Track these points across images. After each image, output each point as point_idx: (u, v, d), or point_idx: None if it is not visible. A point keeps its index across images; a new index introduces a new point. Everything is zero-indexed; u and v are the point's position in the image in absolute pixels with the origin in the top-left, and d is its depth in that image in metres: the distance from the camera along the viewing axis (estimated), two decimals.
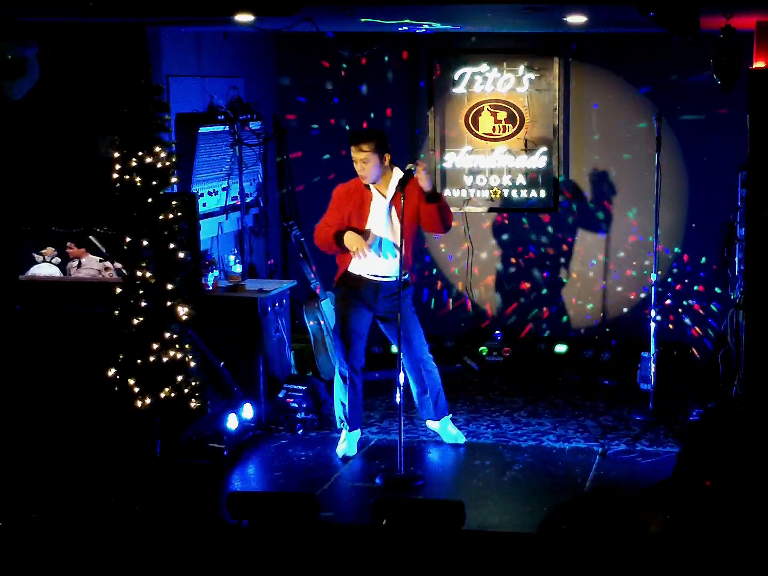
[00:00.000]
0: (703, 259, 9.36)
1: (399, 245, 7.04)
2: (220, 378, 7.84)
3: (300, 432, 7.94)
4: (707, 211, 9.30)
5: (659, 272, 8.37)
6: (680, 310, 9.45)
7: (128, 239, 7.15)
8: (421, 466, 7.24)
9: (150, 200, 7.10)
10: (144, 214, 7.11)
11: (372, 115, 9.77)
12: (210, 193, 8.66)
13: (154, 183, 7.10)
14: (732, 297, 7.84)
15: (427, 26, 8.13)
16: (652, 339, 8.19)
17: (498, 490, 6.96)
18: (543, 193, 9.60)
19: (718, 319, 8.44)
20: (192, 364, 7.26)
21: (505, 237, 9.72)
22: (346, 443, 7.48)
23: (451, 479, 7.30)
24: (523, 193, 9.62)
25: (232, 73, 9.07)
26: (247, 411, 7.81)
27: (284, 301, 8.52)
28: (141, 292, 7.12)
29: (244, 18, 6.87)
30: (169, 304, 7.16)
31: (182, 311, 7.21)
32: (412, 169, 7.04)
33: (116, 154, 7.14)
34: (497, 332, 9.55)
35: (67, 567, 5.64)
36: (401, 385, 7.04)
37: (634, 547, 3.20)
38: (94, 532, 5.95)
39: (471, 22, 8.17)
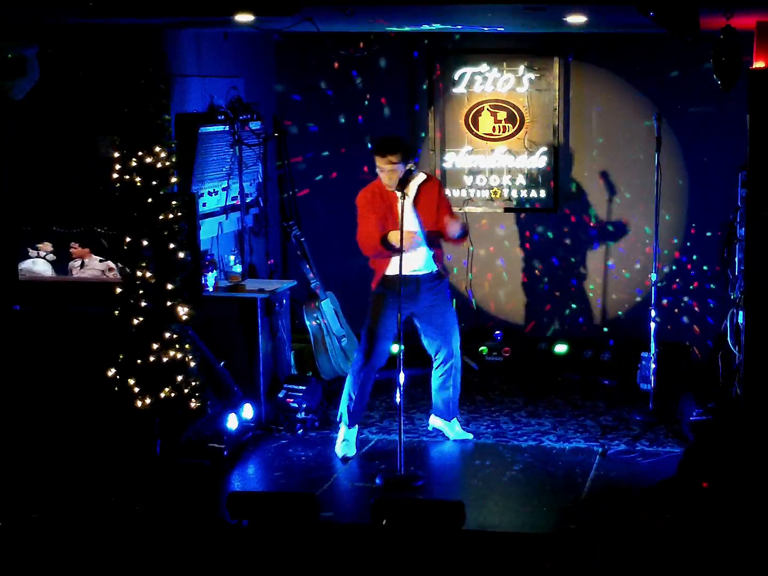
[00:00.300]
0: (703, 259, 9.36)
1: (424, 238, 7.27)
2: (220, 378, 7.84)
3: (300, 432, 7.95)
4: (707, 211, 9.30)
5: (659, 272, 8.36)
6: (680, 309, 9.44)
7: (128, 239, 7.16)
8: (421, 466, 7.24)
9: (150, 200, 7.11)
10: (144, 214, 7.11)
11: (372, 114, 9.78)
12: (210, 193, 8.66)
13: (154, 183, 7.10)
14: (732, 297, 7.83)
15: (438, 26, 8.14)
16: (652, 339, 8.19)
17: (498, 490, 6.96)
18: (543, 193, 9.60)
19: (718, 319, 8.43)
20: (192, 364, 7.26)
21: (504, 237, 9.71)
22: (346, 442, 7.47)
23: (451, 479, 7.30)
24: (523, 193, 9.62)
25: (232, 73, 9.07)
26: (247, 411, 7.81)
27: (284, 301, 8.51)
28: (141, 292, 7.12)
29: (244, 18, 6.87)
30: (169, 304, 7.17)
31: (182, 311, 7.22)
32: (412, 169, 7.14)
33: (116, 154, 7.14)
34: (497, 332, 9.55)
35: (67, 567, 5.64)
36: (401, 385, 7.05)
37: (634, 547, 3.20)
38: (94, 532, 5.95)
39: (471, 23, 8.16)
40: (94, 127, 7.85)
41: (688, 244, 9.43)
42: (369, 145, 7.12)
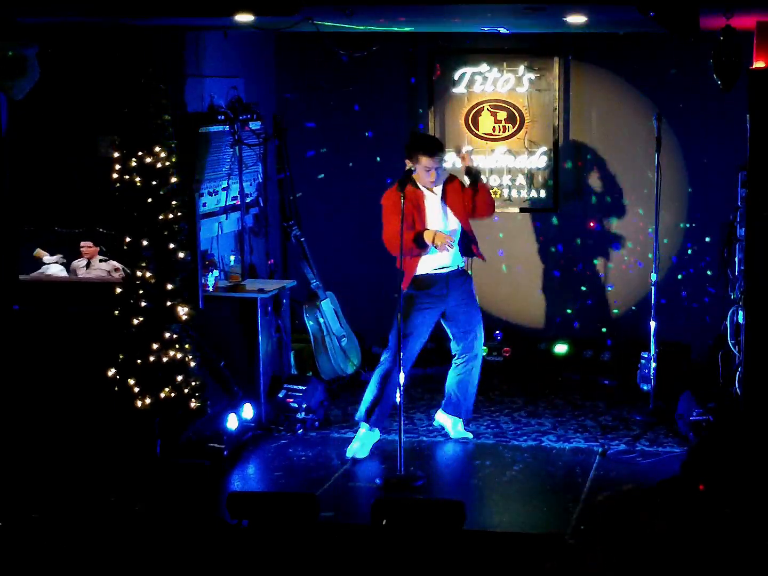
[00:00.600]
0: (703, 259, 9.35)
1: (457, 235, 7.44)
2: (220, 378, 7.84)
3: (300, 432, 7.94)
4: (707, 211, 9.30)
5: (659, 272, 8.36)
6: (680, 309, 9.44)
7: (128, 239, 7.16)
8: (421, 466, 7.24)
9: (150, 200, 7.11)
10: (144, 214, 7.12)
11: (372, 114, 9.78)
12: (210, 193, 8.66)
13: (154, 183, 7.10)
14: (732, 297, 7.83)
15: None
16: (652, 339, 8.19)
17: (498, 490, 6.97)
18: (543, 193, 9.59)
19: (718, 319, 8.42)
20: (192, 364, 7.26)
21: (504, 237, 9.71)
22: (360, 443, 7.42)
23: (451, 479, 7.31)
24: (523, 193, 9.62)
25: (232, 73, 9.07)
26: (247, 411, 7.81)
27: (284, 301, 8.52)
28: (141, 292, 7.13)
29: (244, 18, 6.87)
30: (169, 304, 7.17)
31: (182, 311, 7.22)
32: (412, 169, 7.23)
33: (116, 154, 7.14)
34: (497, 332, 9.55)
35: (67, 567, 5.64)
36: (401, 385, 7.04)
37: (634, 547, 3.20)
38: (94, 532, 5.95)
39: (471, 24, 8.16)
40: (94, 127, 7.85)
41: (688, 244, 9.42)
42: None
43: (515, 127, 9.55)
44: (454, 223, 7.44)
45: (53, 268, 8.21)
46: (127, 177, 7.10)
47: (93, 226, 7.88)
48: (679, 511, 3.53)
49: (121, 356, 7.15)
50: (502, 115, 9.56)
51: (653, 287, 8.23)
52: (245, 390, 7.95)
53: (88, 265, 8.23)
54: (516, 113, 9.54)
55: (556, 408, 8.51)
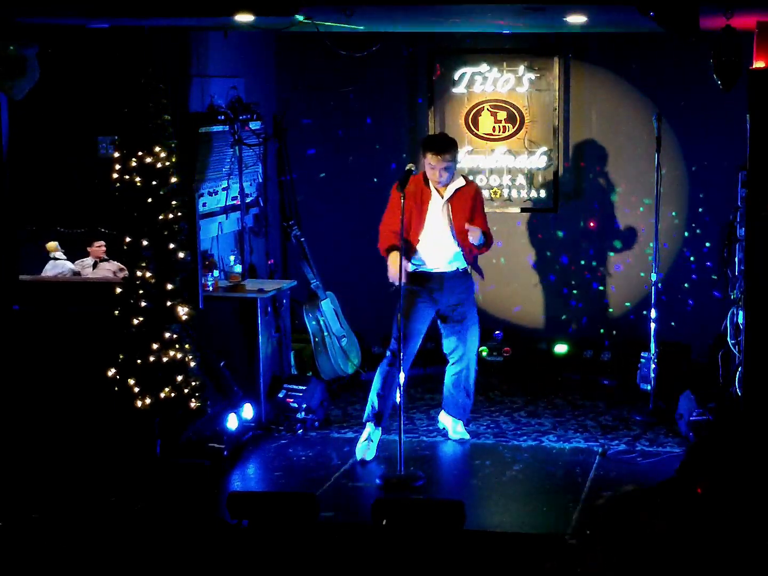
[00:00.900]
0: (703, 259, 9.36)
1: (455, 240, 7.35)
2: (220, 378, 7.84)
3: (300, 432, 7.94)
4: (707, 211, 9.30)
5: (659, 272, 8.35)
6: (680, 310, 9.44)
7: (128, 239, 7.16)
8: (421, 466, 7.23)
9: (150, 200, 7.11)
10: (144, 214, 7.11)
11: (372, 114, 9.78)
12: (210, 193, 8.66)
13: (154, 183, 7.10)
14: (732, 297, 7.83)
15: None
16: (652, 339, 8.19)
17: (498, 490, 6.96)
18: (543, 193, 9.60)
19: (718, 319, 8.42)
20: (192, 364, 7.26)
21: (504, 237, 9.70)
22: (368, 443, 7.39)
23: (451, 479, 7.31)
24: (523, 193, 9.62)
25: (232, 73, 9.07)
26: (247, 411, 7.81)
27: (284, 301, 8.52)
28: (141, 292, 7.12)
29: (244, 18, 6.87)
30: (169, 304, 7.17)
31: (182, 311, 7.22)
32: (413, 169, 7.16)
33: (116, 154, 7.14)
34: (497, 332, 9.55)
35: (67, 567, 5.64)
36: (401, 385, 7.04)
37: (635, 547, 3.20)
38: (94, 532, 5.95)
39: (471, 24, 8.16)
40: (94, 127, 7.85)
41: (688, 244, 9.43)
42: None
43: (515, 127, 9.55)
44: (452, 231, 7.38)
45: (64, 264, 8.19)
46: (127, 177, 7.09)
47: (94, 226, 7.87)
48: (679, 511, 3.53)
49: (121, 356, 7.15)
50: (502, 115, 9.56)
51: (653, 287, 8.23)
52: (245, 390, 7.95)
53: (95, 265, 8.22)
54: (516, 113, 9.54)
55: (556, 408, 8.51)
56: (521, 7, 6.61)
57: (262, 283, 8.59)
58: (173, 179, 7.22)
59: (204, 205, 8.50)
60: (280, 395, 8.16)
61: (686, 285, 9.44)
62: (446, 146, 7.31)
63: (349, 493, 6.94)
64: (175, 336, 7.18)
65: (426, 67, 9.65)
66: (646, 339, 8.28)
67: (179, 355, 7.18)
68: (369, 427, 7.44)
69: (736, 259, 7.77)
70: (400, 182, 7.01)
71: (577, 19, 7.29)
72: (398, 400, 7.04)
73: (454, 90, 9.63)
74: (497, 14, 7.18)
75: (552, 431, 7.97)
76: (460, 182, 7.39)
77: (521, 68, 9.47)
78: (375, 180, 9.76)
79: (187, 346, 7.25)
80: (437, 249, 7.38)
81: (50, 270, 8.17)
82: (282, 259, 9.98)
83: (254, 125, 9.02)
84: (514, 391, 8.93)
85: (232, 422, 7.52)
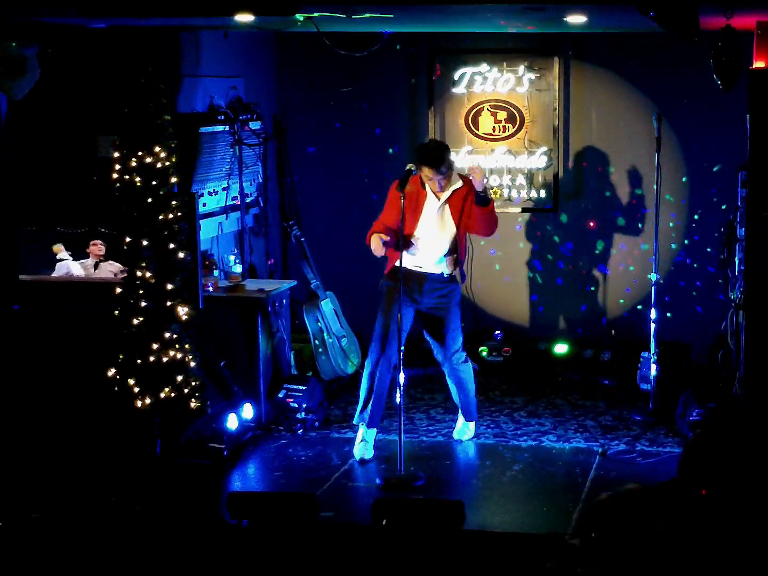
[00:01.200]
0: (703, 259, 9.36)
1: (449, 243, 7.29)
2: (220, 378, 7.84)
3: (300, 432, 7.94)
4: (707, 211, 9.30)
5: (659, 272, 8.35)
6: (680, 309, 9.44)
7: (128, 239, 7.15)
8: (421, 466, 7.23)
9: (150, 200, 7.11)
10: (144, 214, 7.11)
11: (372, 114, 9.78)
12: (210, 193, 8.66)
13: (154, 183, 7.10)
14: (732, 297, 7.83)
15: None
16: (652, 339, 8.19)
17: (498, 490, 6.96)
18: (543, 193, 9.60)
19: (718, 319, 8.42)
20: (192, 364, 7.26)
21: (504, 237, 9.71)
22: (364, 443, 7.40)
23: (451, 479, 7.30)
24: (523, 193, 9.62)
25: (232, 73, 9.07)
26: (247, 411, 7.81)
27: (284, 301, 8.52)
28: (141, 292, 7.12)
29: (244, 18, 6.87)
30: (169, 304, 7.17)
31: (182, 311, 7.22)
32: (413, 169, 7.12)
33: (116, 154, 7.14)
34: (497, 332, 9.55)
35: (67, 567, 5.64)
36: (401, 385, 7.04)
37: (635, 548, 3.20)
38: (94, 532, 5.95)
39: (471, 24, 8.16)
40: (94, 127, 7.85)
41: (688, 243, 9.43)
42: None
43: (515, 127, 9.55)
44: (447, 231, 7.32)
45: (73, 265, 8.17)
46: (127, 177, 7.09)
47: (94, 226, 7.87)
48: (679, 511, 3.53)
49: (121, 356, 7.15)
50: (502, 115, 9.56)
51: (653, 287, 8.23)
52: (245, 390, 7.95)
53: (96, 266, 8.22)
54: (516, 113, 9.54)
55: (556, 408, 8.51)
56: (521, 7, 6.61)
57: (262, 283, 8.59)
58: (173, 179, 7.22)
59: (204, 205, 8.50)
60: (280, 395, 8.16)
61: (686, 285, 9.44)
62: (441, 159, 7.18)
63: (349, 493, 6.94)
64: (175, 336, 7.17)
65: (426, 67, 9.65)
66: (646, 339, 8.28)
67: (179, 355, 7.18)
68: (361, 428, 7.44)
69: (736, 259, 7.77)
70: (400, 182, 7.00)
71: (577, 19, 7.29)
72: (398, 400, 7.03)
73: (454, 90, 9.63)
74: (497, 14, 7.18)
75: (552, 431, 7.97)
76: (457, 184, 7.31)
77: (521, 68, 9.47)
78: (375, 180, 9.76)
79: (187, 346, 7.25)
80: (426, 250, 7.33)
81: (60, 272, 8.16)
82: (282, 259, 9.99)
83: (254, 125, 9.02)
84: (514, 391, 8.93)
85: (232, 422, 7.52)
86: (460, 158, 9.62)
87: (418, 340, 8.32)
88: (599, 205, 9.56)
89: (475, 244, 9.46)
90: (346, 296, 9.13)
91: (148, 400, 7.09)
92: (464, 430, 7.77)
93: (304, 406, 8.05)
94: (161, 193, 7.13)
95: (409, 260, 7.29)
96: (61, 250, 8.11)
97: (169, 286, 7.17)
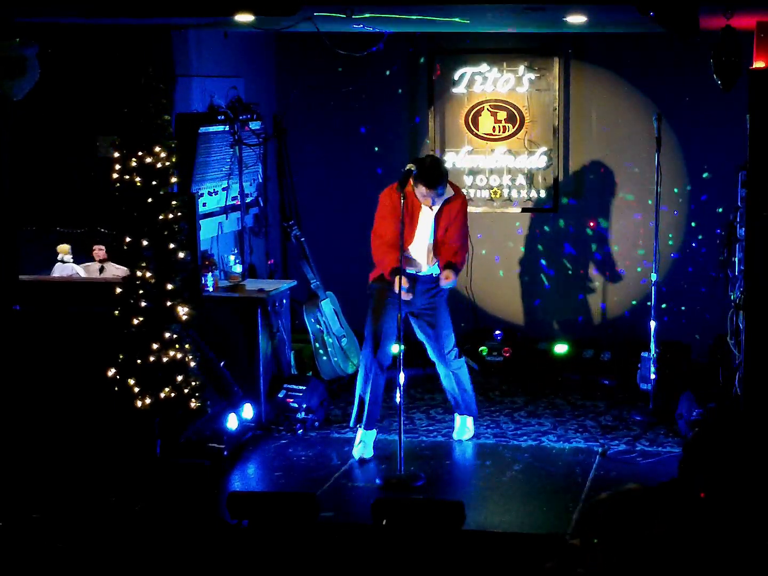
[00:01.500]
0: (703, 259, 9.36)
1: (436, 249, 7.29)
2: (220, 378, 7.84)
3: (300, 432, 7.94)
4: (707, 212, 9.30)
5: (659, 272, 8.35)
6: (680, 309, 9.44)
7: (128, 239, 7.15)
8: (421, 466, 7.23)
9: (150, 200, 7.11)
10: (144, 214, 7.11)
11: (372, 114, 9.79)
12: (210, 193, 8.66)
13: (154, 183, 7.10)
14: (732, 297, 7.83)
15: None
16: (652, 339, 8.19)
17: (498, 490, 6.96)
18: (543, 193, 9.60)
19: (718, 319, 8.42)
20: (192, 364, 7.26)
21: (504, 237, 9.71)
22: (363, 444, 7.41)
23: (451, 479, 7.30)
24: (523, 193, 9.62)
25: (232, 73, 9.07)
26: (247, 411, 7.81)
27: (284, 301, 8.52)
28: (141, 292, 7.12)
29: (244, 18, 6.87)
30: (169, 304, 7.16)
31: (182, 311, 7.22)
32: (412, 169, 7.08)
33: (116, 154, 7.14)
34: (497, 332, 9.54)
35: (67, 567, 5.64)
36: (401, 385, 7.04)
37: (635, 548, 3.20)
38: (94, 532, 5.95)
39: (471, 25, 8.16)
40: (94, 127, 7.85)
41: (688, 244, 9.43)
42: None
43: (515, 127, 9.55)
44: (434, 236, 7.34)
45: (72, 268, 8.17)
46: (127, 177, 7.09)
47: (93, 226, 7.87)
48: (679, 512, 3.53)
49: (121, 356, 7.15)
50: (502, 115, 9.56)
51: (653, 287, 8.23)
52: (245, 390, 7.95)
53: (102, 270, 8.20)
54: (516, 113, 9.54)
55: (556, 408, 8.51)
56: (521, 7, 6.60)
57: (262, 283, 8.59)
58: (173, 179, 7.22)
59: (204, 205, 8.50)
60: (280, 395, 8.16)
61: (686, 285, 9.43)
62: (439, 180, 7.11)
63: (349, 493, 6.94)
64: (175, 336, 7.17)
65: (426, 67, 9.65)
66: (646, 339, 8.28)
67: (179, 355, 7.18)
68: (360, 431, 7.44)
69: (736, 259, 7.77)
70: (399, 182, 7.00)
71: (577, 19, 7.29)
72: (398, 400, 7.04)
73: (454, 90, 9.63)
74: (497, 14, 7.18)
75: (552, 431, 7.97)
76: (449, 192, 7.27)
77: (521, 68, 9.47)
78: (375, 180, 9.76)
79: (187, 346, 7.25)
80: (420, 255, 7.34)
81: (57, 273, 8.16)
82: (282, 259, 9.99)
83: (254, 125, 9.02)
84: (514, 391, 8.93)
85: (232, 422, 7.52)
86: (460, 158, 9.63)
87: (418, 340, 8.32)
88: (599, 205, 9.56)
89: (475, 244, 9.48)
90: (346, 296, 9.13)
91: (148, 400, 7.09)
92: (463, 429, 7.77)
93: (304, 406, 8.05)
94: (161, 193, 7.13)
95: (404, 265, 7.26)
96: (67, 252, 8.11)
97: (169, 286, 7.16)
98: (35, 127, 7.86)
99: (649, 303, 8.33)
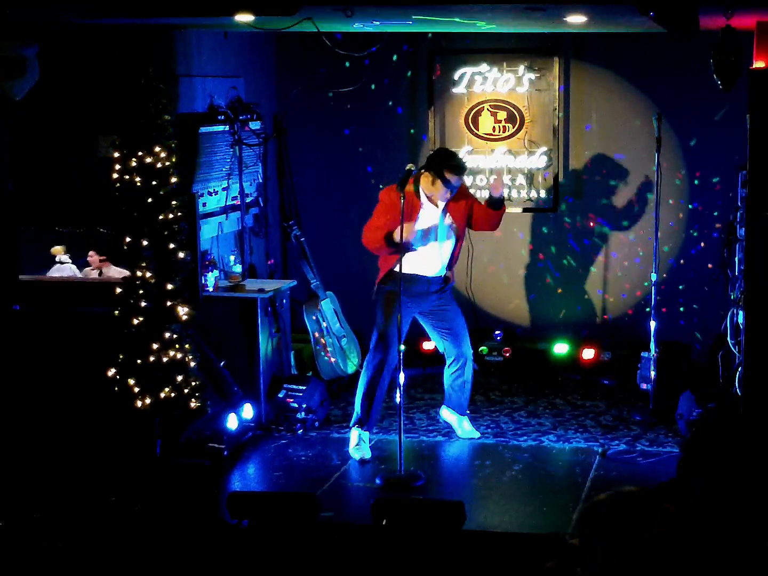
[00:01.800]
0: (703, 259, 9.35)
1: (451, 249, 7.40)
2: (220, 378, 7.84)
3: (300, 432, 7.94)
4: (707, 211, 9.30)
5: (659, 272, 8.35)
6: (680, 309, 9.44)
7: (128, 239, 7.16)
8: (421, 466, 7.24)
9: (150, 200, 7.11)
10: (144, 214, 7.11)
11: (372, 114, 9.78)
12: (210, 193, 8.66)
13: (154, 183, 7.10)
14: (732, 297, 7.83)
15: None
16: (652, 339, 8.19)
17: (498, 490, 6.96)
18: (543, 193, 9.60)
19: (718, 319, 8.42)
20: (192, 364, 7.26)
21: (504, 237, 9.71)
22: (360, 445, 7.40)
23: (451, 479, 7.30)
24: (523, 193, 9.62)
25: (232, 73, 9.07)
26: (247, 411, 7.81)
27: (284, 301, 8.52)
28: (141, 292, 7.12)
29: (244, 18, 6.87)
30: (169, 304, 7.17)
31: (182, 311, 7.22)
32: (412, 169, 7.13)
33: (116, 154, 7.14)
34: (497, 332, 9.54)
35: (67, 567, 5.64)
36: (401, 385, 7.04)
37: (634, 548, 3.20)
38: (94, 532, 5.95)
39: (471, 25, 8.16)
40: (94, 127, 7.85)
41: (688, 243, 9.43)
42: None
43: (515, 127, 9.55)
44: (450, 239, 7.40)
45: (70, 269, 8.17)
46: (127, 177, 7.10)
47: (93, 226, 7.87)
48: (679, 512, 3.53)
49: (121, 356, 7.15)
50: (502, 115, 9.56)
51: (653, 287, 8.22)
52: (245, 390, 7.95)
53: (100, 274, 8.20)
54: (516, 113, 9.54)
55: (556, 408, 8.51)
56: (522, 7, 6.60)
57: (262, 283, 8.59)
58: (173, 179, 7.22)
59: (204, 205, 8.50)
60: (280, 395, 8.16)
61: (686, 285, 9.43)
62: (464, 164, 7.37)
63: (349, 493, 6.94)
64: (175, 336, 7.18)
65: (426, 67, 9.65)
66: (646, 339, 8.28)
67: (179, 355, 7.18)
68: (356, 431, 7.43)
69: (736, 259, 7.77)
70: (399, 182, 7.00)
71: (577, 19, 7.28)
72: (398, 400, 7.04)
73: (454, 90, 9.63)
74: (497, 14, 7.17)
75: (552, 431, 7.97)
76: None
77: (521, 68, 9.47)
78: (375, 180, 9.76)
79: (187, 346, 7.26)
80: (428, 257, 7.34)
81: (53, 274, 8.15)
82: (282, 259, 9.98)
83: (254, 125, 9.02)
84: (514, 391, 8.93)
85: (232, 422, 7.52)
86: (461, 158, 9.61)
87: (418, 340, 8.33)
88: (599, 205, 9.56)
89: (475, 244, 9.48)
90: (346, 296, 9.13)
91: (148, 400, 7.10)
92: (467, 426, 7.76)
93: (304, 406, 8.05)
94: (161, 193, 7.14)
95: (409, 266, 7.27)
96: (62, 253, 8.10)
97: (169, 286, 7.17)
98: (35, 127, 7.86)
99: (649, 303, 8.33)
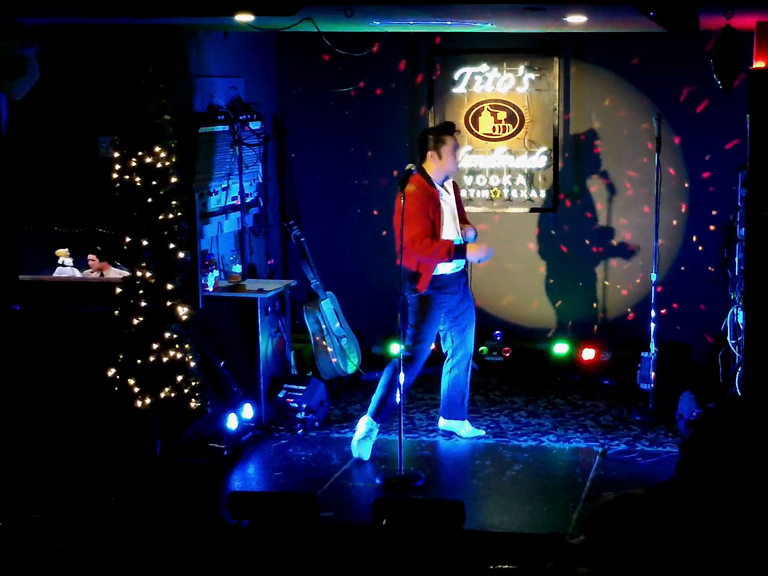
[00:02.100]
0: (703, 259, 9.35)
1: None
2: (220, 378, 7.84)
3: (300, 432, 7.94)
4: (707, 212, 9.30)
5: (659, 272, 8.35)
6: (680, 309, 9.44)
7: (128, 239, 7.16)
8: (421, 466, 7.24)
9: (150, 200, 7.11)
10: (144, 214, 7.11)
11: (372, 114, 9.78)
12: (210, 193, 8.66)
13: (154, 183, 7.10)
14: (732, 297, 7.83)
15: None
16: (652, 339, 8.19)
17: (498, 490, 6.96)
18: (543, 193, 9.60)
19: (718, 319, 8.42)
20: (192, 364, 7.26)
21: (504, 237, 9.71)
22: (366, 441, 7.34)
23: (451, 479, 7.30)
24: (523, 193, 9.62)
25: (232, 73, 9.07)
26: (247, 411, 7.81)
27: (284, 301, 8.51)
28: (141, 292, 7.12)
29: (244, 18, 6.87)
30: (169, 304, 7.17)
31: (182, 311, 7.22)
32: (412, 169, 7.12)
33: (116, 154, 7.14)
34: (497, 332, 9.54)
35: (67, 567, 5.64)
36: (401, 385, 7.04)
37: (635, 548, 3.20)
38: (94, 532, 5.95)
39: (471, 24, 8.16)
40: (94, 127, 7.84)
41: (688, 243, 9.42)
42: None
43: (515, 127, 9.55)
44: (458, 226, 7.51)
45: (72, 272, 8.15)
46: (127, 177, 7.10)
47: (93, 226, 7.87)
48: (679, 512, 3.53)
49: (121, 356, 7.15)
50: (502, 115, 9.56)
51: (653, 287, 8.22)
52: (245, 390, 7.95)
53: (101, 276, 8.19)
54: (516, 113, 9.54)
55: (556, 408, 8.51)
56: (521, 7, 6.60)
57: (262, 283, 8.59)
58: (173, 179, 7.22)
59: (204, 205, 8.50)
60: (280, 395, 8.16)
61: (686, 285, 9.43)
62: (453, 123, 7.57)
63: (349, 493, 6.94)
64: (175, 336, 7.18)
65: (426, 67, 9.65)
66: (646, 339, 8.28)
67: (179, 355, 7.18)
68: (368, 419, 7.36)
69: (736, 259, 7.77)
70: (400, 183, 7.01)
71: (577, 19, 7.29)
72: (398, 400, 7.04)
73: (454, 90, 9.63)
74: (497, 14, 7.17)
75: (552, 431, 7.97)
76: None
77: (521, 68, 9.47)
78: (375, 180, 9.77)
79: (187, 346, 7.26)
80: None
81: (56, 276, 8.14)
82: (282, 259, 9.98)
83: (254, 125, 9.02)
84: (514, 391, 8.94)
85: (232, 422, 7.52)
86: (461, 158, 9.59)
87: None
88: (599, 204, 9.55)
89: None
90: (346, 296, 9.13)
91: (148, 400, 7.10)
92: (469, 427, 7.75)
93: (304, 406, 8.05)
94: (161, 193, 7.14)
95: (449, 265, 7.35)
96: (66, 256, 8.10)
97: (169, 286, 7.17)
98: (35, 127, 7.86)
99: (649, 303, 8.33)
